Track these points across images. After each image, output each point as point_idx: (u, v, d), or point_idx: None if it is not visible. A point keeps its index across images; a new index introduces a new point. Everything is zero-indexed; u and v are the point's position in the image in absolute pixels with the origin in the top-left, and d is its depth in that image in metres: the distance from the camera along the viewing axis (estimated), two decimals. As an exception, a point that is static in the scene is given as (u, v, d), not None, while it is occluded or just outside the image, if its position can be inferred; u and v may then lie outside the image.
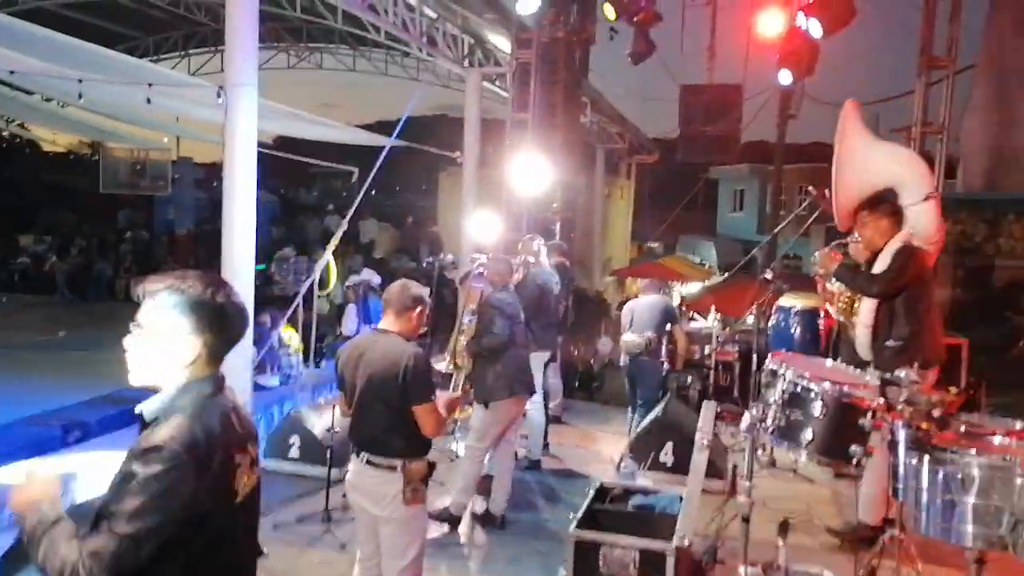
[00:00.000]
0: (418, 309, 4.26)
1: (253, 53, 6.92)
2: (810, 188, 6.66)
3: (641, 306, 8.16)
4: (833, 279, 5.76)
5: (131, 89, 8.63)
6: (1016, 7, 8.30)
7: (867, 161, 5.70)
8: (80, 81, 8.06)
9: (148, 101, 8.16)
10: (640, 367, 8.00)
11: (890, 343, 5.18)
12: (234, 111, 6.74)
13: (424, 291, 4.40)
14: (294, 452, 6.83)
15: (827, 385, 3.67)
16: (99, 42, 10.69)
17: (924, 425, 3.32)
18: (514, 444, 6.59)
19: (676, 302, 10.58)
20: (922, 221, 5.49)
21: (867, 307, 5.43)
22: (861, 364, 4.89)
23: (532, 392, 6.51)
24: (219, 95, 6.85)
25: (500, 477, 6.24)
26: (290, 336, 8.70)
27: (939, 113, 9.53)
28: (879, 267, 5.40)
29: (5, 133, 27.95)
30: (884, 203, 5.59)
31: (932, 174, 5.72)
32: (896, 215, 5.55)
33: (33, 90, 12.88)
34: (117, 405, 8.39)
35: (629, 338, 8.01)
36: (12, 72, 8.26)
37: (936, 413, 3.33)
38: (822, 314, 7.67)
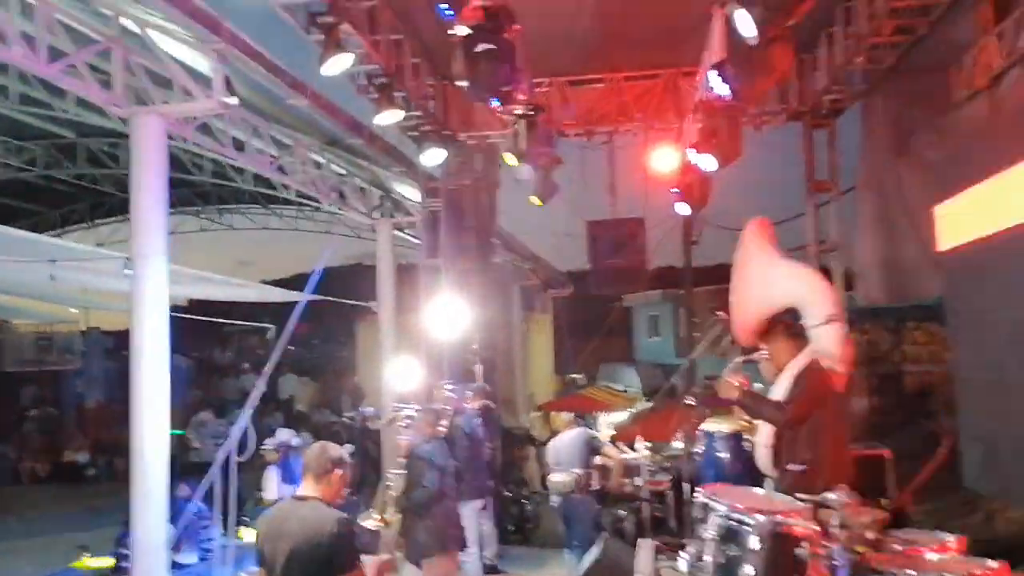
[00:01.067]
0: (339, 472, 4.14)
1: (161, 223, 6.87)
2: (719, 313, 6.86)
3: (564, 443, 8.15)
4: (742, 409, 5.63)
5: (34, 266, 8.44)
6: (885, 134, 8.98)
7: (767, 279, 5.67)
8: (-22, 260, 7.90)
9: (52, 278, 7.98)
10: (572, 505, 7.93)
11: (791, 467, 4.99)
12: (142, 282, 6.62)
13: (344, 452, 4.29)
14: (218, 635, 6.40)
15: (760, 517, 3.66)
16: (2, 219, 10.53)
17: (860, 548, 3.32)
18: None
19: (608, 432, 10.51)
20: (824, 342, 5.26)
21: (767, 428, 5.28)
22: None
23: (464, 546, 6.33)
24: (126, 267, 6.74)
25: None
26: None
27: (830, 232, 10.07)
28: (779, 390, 5.23)
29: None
30: (777, 325, 5.51)
31: (835, 295, 5.66)
32: (791, 335, 5.45)
33: (-74, 271, 12.52)
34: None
35: (557, 478, 7.97)
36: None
37: (870, 535, 3.34)
38: (746, 437, 7.75)
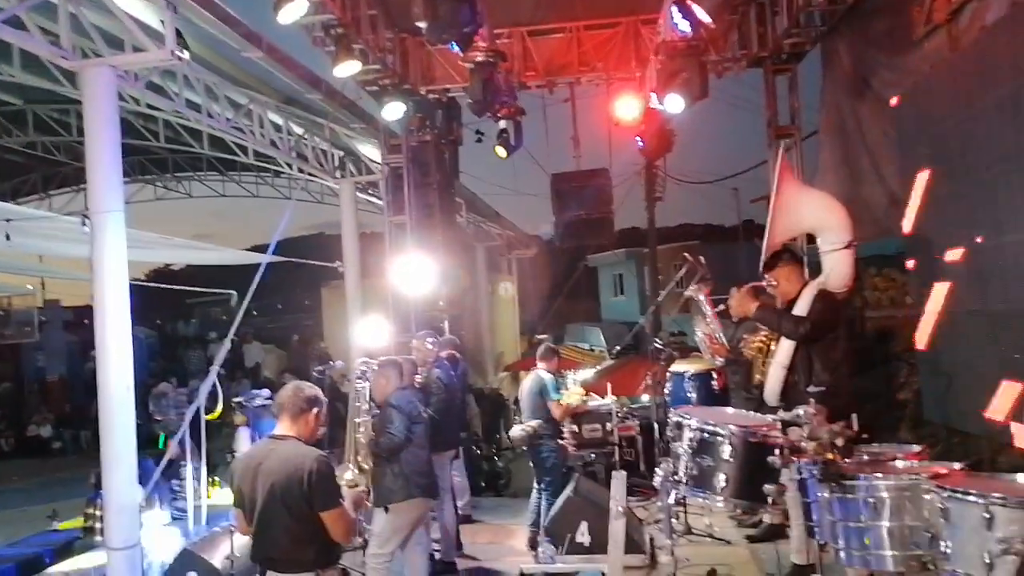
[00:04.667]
0: (314, 411, 4.13)
1: (118, 178, 6.69)
2: (686, 255, 6.92)
3: (523, 392, 8.14)
4: (755, 322, 5.83)
5: (-13, 229, 8.24)
6: (845, 76, 9.03)
7: (800, 206, 5.96)
8: (-71, 224, 7.70)
9: (7, 238, 7.79)
10: (536, 452, 7.94)
11: (811, 389, 5.16)
12: (101, 239, 6.45)
13: (318, 391, 4.26)
14: (193, 589, 6.35)
15: (733, 427, 3.72)
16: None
17: (829, 456, 3.38)
18: (425, 546, 6.38)
19: (577, 390, 10.46)
20: (838, 267, 5.70)
21: (785, 348, 5.40)
22: (759, 411, 4.93)
23: (434, 495, 6.30)
24: (84, 223, 6.59)
25: (415, 582, 6.00)
26: None
27: (793, 178, 10.13)
28: (799, 310, 5.45)
29: None
30: (784, 253, 5.82)
31: (852, 224, 6.02)
32: (798, 263, 5.77)
33: None
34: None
35: (514, 433, 8.05)
36: None
37: (839, 442, 3.40)
38: (714, 375, 7.84)
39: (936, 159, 6.67)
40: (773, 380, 5.41)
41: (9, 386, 19.89)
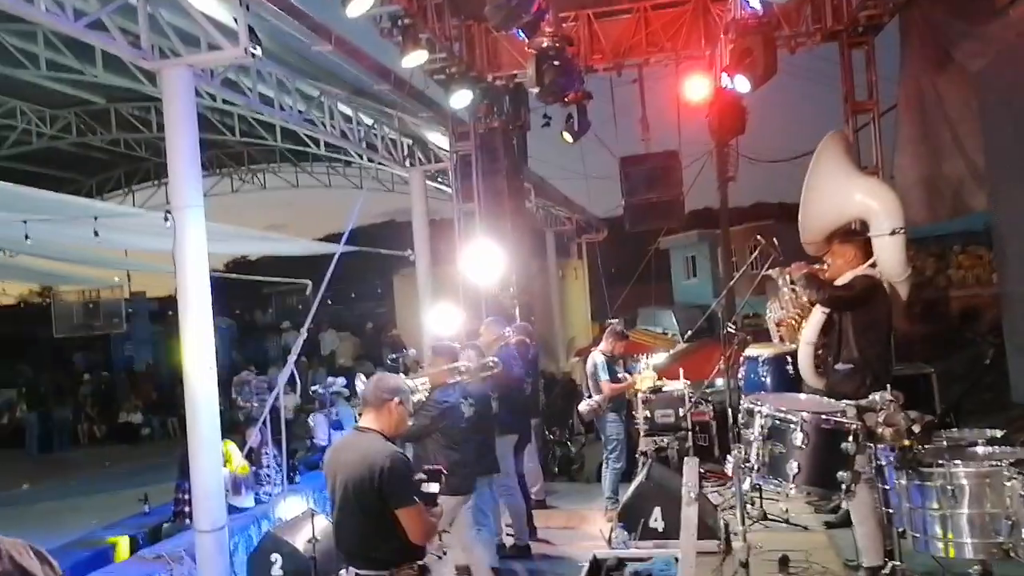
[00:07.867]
0: (396, 399, 4.03)
1: (197, 174, 6.93)
2: (759, 237, 6.81)
3: (587, 372, 8.59)
4: (796, 285, 5.81)
5: (78, 226, 8.57)
6: (924, 47, 8.73)
7: (842, 189, 5.83)
8: (25, 222, 8.02)
9: (96, 234, 8.11)
10: (600, 422, 8.51)
11: (839, 366, 5.14)
12: (183, 233, 6.69)
13: (400, 381, 4.23)
14: (276, 570, 6.55)
15: (805, 414, 3.65)
16: (41, 188, 10.64)
17: (906, 442, 3.31)
18: (485, 528, 6.46)
19: (650, 374, 10.35)
20: (885, 255, 5.52)
21: (812, 326, 5.47)
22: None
23: (462, 492, 6.13)
24: (167, 219, 6.81)
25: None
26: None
27: (871, 155, 9.84)
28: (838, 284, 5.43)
29: (-47, 290, 27.53)
30: (857, 235, 5.71)
31: (902, 211, 5.81)
32: (866, 248, 5.62)
33: (-22, 241, 12.77)
34: (89, 548, 8.11)
35: (581, 407, 8.71)
36: (-48, 222, 8.20)
37: (916, 429, 3.33)
38: (789, 359, 7.70)
39: (1022, 130, 6.42)
40: (803, 358, 5.43)
41: (105, 375, 20.73)
